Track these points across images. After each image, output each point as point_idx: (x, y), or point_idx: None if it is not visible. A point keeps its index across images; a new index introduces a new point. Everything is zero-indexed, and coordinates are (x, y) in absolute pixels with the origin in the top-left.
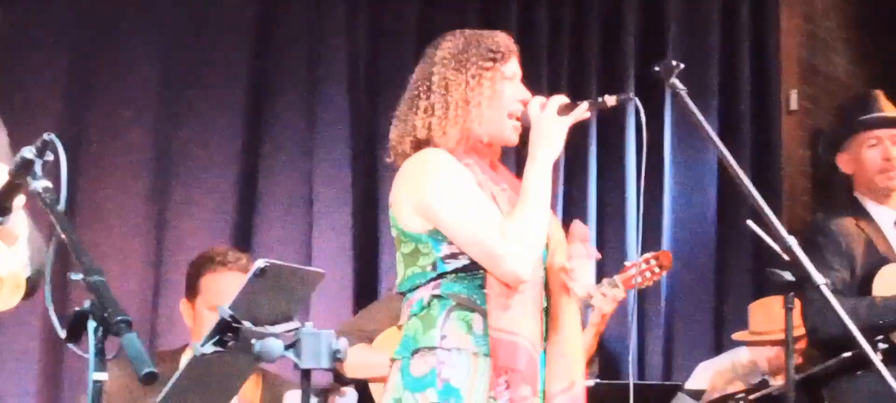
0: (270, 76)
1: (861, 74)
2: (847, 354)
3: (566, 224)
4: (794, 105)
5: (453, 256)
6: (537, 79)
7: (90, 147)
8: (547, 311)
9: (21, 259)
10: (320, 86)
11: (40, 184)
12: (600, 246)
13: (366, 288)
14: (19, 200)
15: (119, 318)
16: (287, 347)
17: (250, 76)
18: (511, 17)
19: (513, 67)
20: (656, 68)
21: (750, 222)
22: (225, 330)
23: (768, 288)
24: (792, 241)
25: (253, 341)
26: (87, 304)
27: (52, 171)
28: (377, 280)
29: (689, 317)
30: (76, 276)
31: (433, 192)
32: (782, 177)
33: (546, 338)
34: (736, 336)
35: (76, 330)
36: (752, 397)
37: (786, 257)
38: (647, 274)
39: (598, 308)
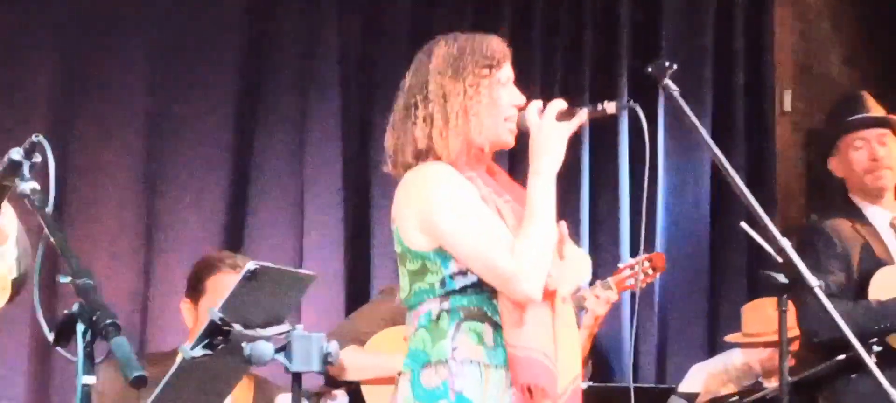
0: (262, 77)
1: (855, 75)
2: (841, 357)
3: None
4: (788, 106)
5: (462, 273)
6: (531, 79)
7: (79, 148)
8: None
9: (8, 260)
10: (312, 86)
11: (28, 185)
12: (593, 247)
13: (357, 291)
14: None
15: (108, 321)
16: (278, 350)
17: (242, 77)
18: (504, 16)
19: (507, 72)
20: (649, 69)
21: (744, 224)
22: (215, 333)
23: (762, 289)
24: (786, 243)
25: (243, 344)
26: (75, 307)
27: (40, 173)
28: (369, 282)
29: (683, 319)
30: (65, 279)
31: (439, 212)
32: (776, 178)
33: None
34: (729, 338)
35: (65, 334)
36: (746, 400)
37: (779, 259)
38: (641, 276)
39: (591, 310)
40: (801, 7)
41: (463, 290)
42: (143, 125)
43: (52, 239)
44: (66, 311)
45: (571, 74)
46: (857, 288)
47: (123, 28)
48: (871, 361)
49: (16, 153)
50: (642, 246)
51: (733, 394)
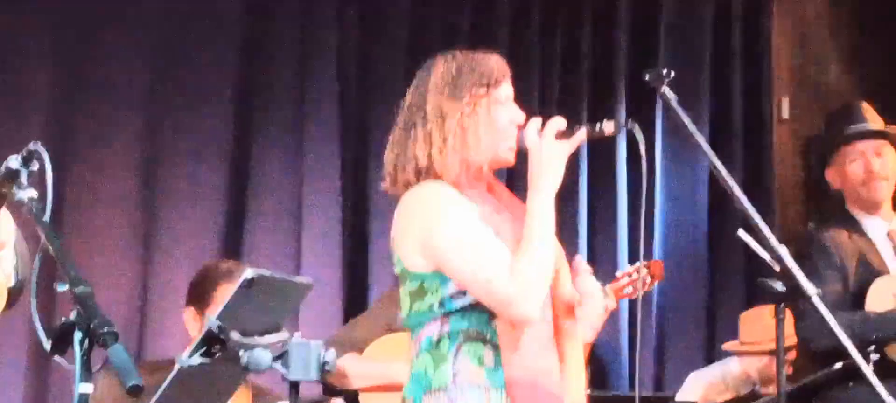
0: (259, 83)
1: (854, 82)
2: (839, 365)
3: (556, 235)
4: (785, 113)
5: (461, 294)
6: (529, 89)
7: (77, 156)
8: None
9: (6, 268)
10: (310, 92)
11: (26, 193)
12: (591, 255)
13: (355, 298)
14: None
15: (105, 329)
16: (275, 358)
17: (239, 83)
18: (502, 26)
19: (506, 90)
20: (647, 76)
21: (741, 232)
22: (212, 341)
23: (760, 297)
24: (783, 251)
25: (241, 352)
26: (73, 315)
27: (38, 181)
28: (367, 289)
29: (681, 328)
30: (62, 287)
31: (437, 233)
32: (774, 186)
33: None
34: (726, 346)
35: (62, 342)
36: None
37: (777, 267)
38: (639, 284)
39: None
40: (800, 14)
41: (461, 311)
42: (139, 134)
43: (49, 247)
44: (63, 319)
45: (569, 83)
46: (853, 299)
47: (119, 38)
48: (868, 370)
49: (13, 161)
50: (641, 255)
51: (731, 402)
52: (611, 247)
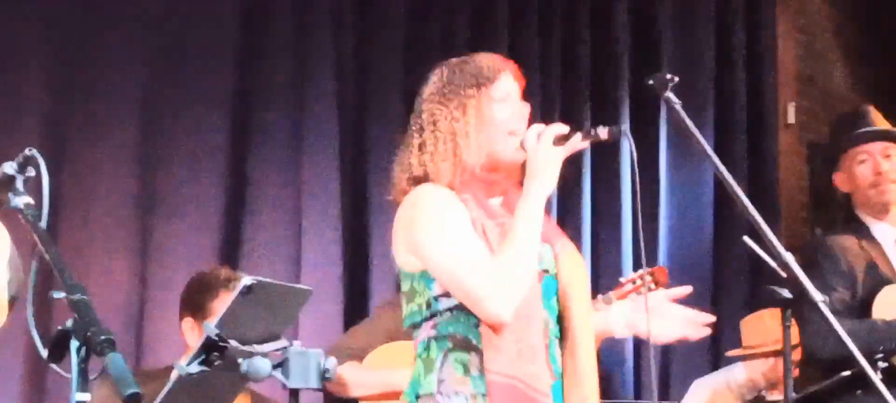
0: (257, 87)
1: (859, 87)
2: (846, 373)
3: None
4: (791, 118)
5: (446, 295)
6: (529, 96)
7: (73, 161)
8: (562, 343)
9: (1, 281)
10: (307, 97)
11: (22, 200)
12: (595, 261)
13: (355, 305)
14: None
15: (102, 337)
16: (275, 366)
17: (236, 87)
18: (500, 30)
19: (505, 86)
20: (650, 81)
21: (746, 238)
22: (211, 349)
23: (765, 304)
24: (789, 258)
25: (240, 360)
26: (69, 323)
27: (33, 187)
28: (367, 296)
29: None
30: (58, 294)
31: (421, 232)
32: (780, 192)
33: (563, 370)
34: (730, 353)
35: (59, 350)
36: None
37: (783, 274)
38: (643, 291)
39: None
40: (804, 19)
41: (449, 313)
42: (136, 139)
43: (45, 254)
44: (59, 327)
45: (570, 90)
46: (861, 306)
47: (117, 36)
48: (877, 378)
49: (9, 167)
50: (643, 262)
51: None
52: (615, 253)
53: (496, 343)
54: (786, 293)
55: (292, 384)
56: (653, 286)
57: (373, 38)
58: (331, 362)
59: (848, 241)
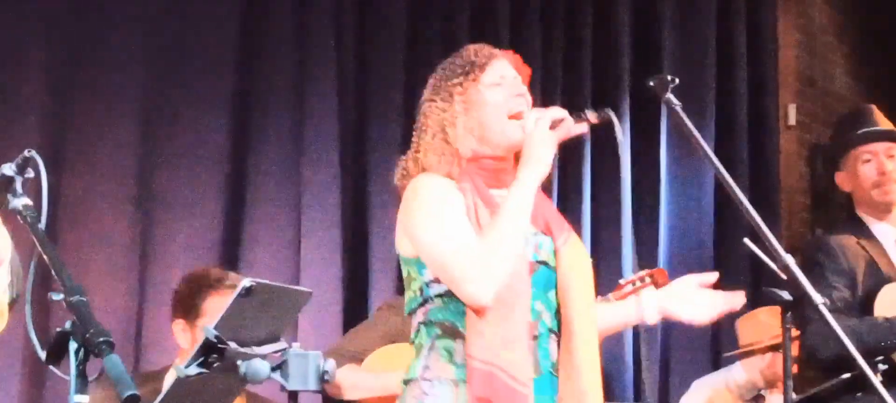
0: (257, 88)
1: (860, 88)
2: (846, 375)
3: None
4: (792, 120)
5: (437, 281)
6: (532, 87)
7: (72, 162)
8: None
9: (2, 285)
10: (308, 96)
11: (21, 201)
12: (595, 263)
13: (355, 306)
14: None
15: (101, 339)
16: (274, 368)
17: (236, 88)
18: (501, 30)
19: (498, 70)
20: (651, 83)
21: (747, 240)
22: (210, 351)
23: (765, 306)
24: (789, 259)
25: (239, 362)
26: (68, 324)
27: (32, 189)
28: (367, 298)
29: (686, 336)
30: (57, 296)
31: (413, 217)
32: (780, 194)
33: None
34: (728, 353)
35: (57, 351)
36: None
37: (783, 275)
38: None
39: None
40: (805, 20)
41: (438, 301)
42: (135, 141)
43: (44, 256)
44: (58, 329)
45: (571, 90)
46: (862, 305)
47: (117, 37)
48: (876, 380)
49: (8, 168)
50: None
51: None
52: (614, 254)
53: (479, 328)
54: (786, 294)
55: (291, 386)
56: (653, 288)
57: (373, 38)
58: (330, 364)
59: (848, 241)
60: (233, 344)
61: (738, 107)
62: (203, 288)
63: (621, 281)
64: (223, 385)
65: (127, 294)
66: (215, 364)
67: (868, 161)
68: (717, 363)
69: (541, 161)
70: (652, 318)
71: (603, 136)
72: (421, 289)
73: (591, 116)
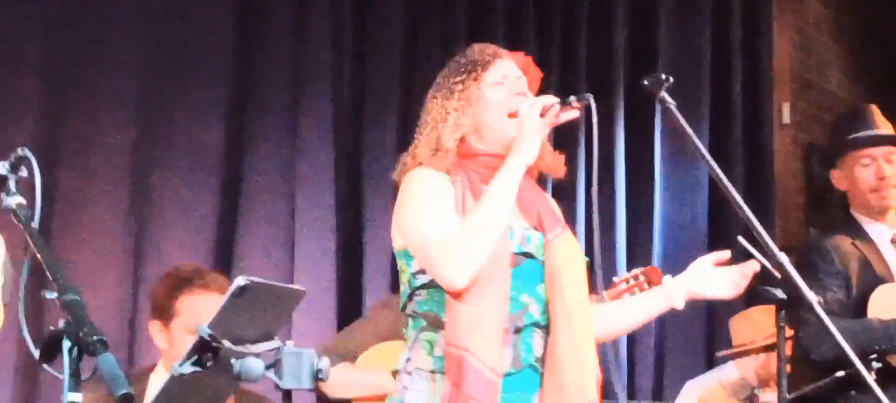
0: (252, 91)
1: (855, 87)
2: (840, 374)
3: None
4: (786, 119)
5: (422, 271)
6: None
7: (66, 162)
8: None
9: None
10: (303, 100)
11: (14, 200)
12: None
13: (349, 305)
14: None
15: (95, 338)
16: (268, 367)
17: (232, 90)
18: (498, 29)
19: (501, 70)
20: (646, 82)
21: (741, 238)
22: (204, 350)
23: (760, 305)
24: (784, 258)
25: (233, 361)
26: (62, 324)
27: (26, 187)
28: (361, 296)
29: (680, 335)
30: (51, 295)
31: (403, 207)
32: (775, 193)
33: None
34: (721, 353)
35: (51, 351)
36: None
37: (777, 274)
38: (636, 291)
39: None
40: (801, 19)
41: (424, 293)
42: (129, 140)
43: (38, 255)
44: (52, 328)
45: (566, 89)
46: (856, 306)
47: (112, 39)
48: (870, 379)
49: (1, 167)
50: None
51: None
52: (609, 252)
53: (454, 314)
54: (780, 293)
55: (285, 384)
56: (646, 286)
57: (372, 38)
58: (324, 362)
59: (842, 241)
60: (227, 343)
61: (733, 105)
62: (174, 289)
63: (615, 279)
64: (217, 384)
65: (121, 293)
66: (209, 363)
67: (867, 165)
68: (710, 363)
69: (528, 147)
70: (680, 304)
71: (603, 136)
72: (409, 281)
73: (574, 102)
